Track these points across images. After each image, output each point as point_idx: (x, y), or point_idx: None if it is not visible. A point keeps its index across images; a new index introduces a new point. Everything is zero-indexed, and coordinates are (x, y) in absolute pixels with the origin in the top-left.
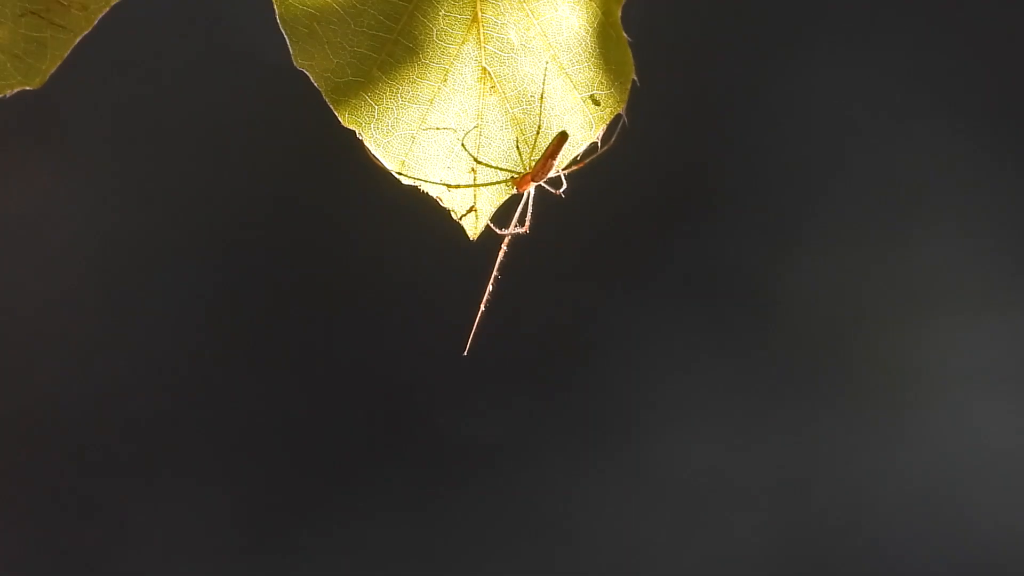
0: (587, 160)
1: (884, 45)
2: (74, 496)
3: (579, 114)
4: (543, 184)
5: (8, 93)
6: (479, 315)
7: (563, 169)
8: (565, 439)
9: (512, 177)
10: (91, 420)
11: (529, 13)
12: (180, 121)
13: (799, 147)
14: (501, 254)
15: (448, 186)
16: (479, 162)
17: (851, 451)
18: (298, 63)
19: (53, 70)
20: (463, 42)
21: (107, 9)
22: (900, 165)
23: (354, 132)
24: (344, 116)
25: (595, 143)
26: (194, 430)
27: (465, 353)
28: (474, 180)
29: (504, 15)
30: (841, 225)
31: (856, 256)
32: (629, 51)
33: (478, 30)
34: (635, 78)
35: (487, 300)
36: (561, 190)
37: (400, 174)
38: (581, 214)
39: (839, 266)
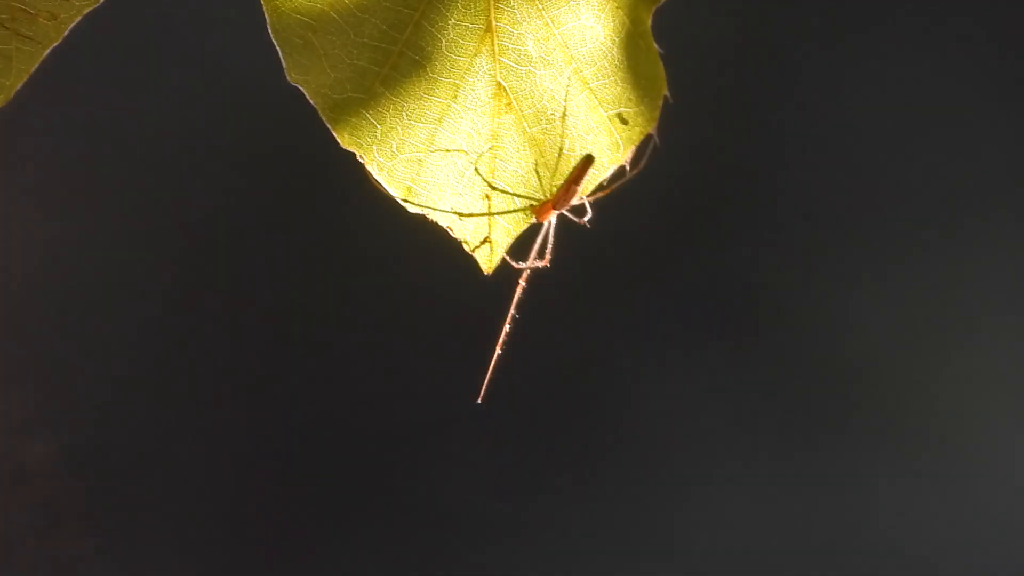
0: (614, 186)
1: (921, 58)
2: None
3: (605, 134)
4: (565, 212)
5: None
6: (494, 358)
7: (587, 196)
8: (581, 513)
9: (531, 205)
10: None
11: (549, 22)
12: (163, 138)
13: (845, 167)
14: (519, 290)
15: (459, 215)
16: (494, 188)
17: (876, 497)
18: (292, 78)
19: (19, 86)
20: (475, 54)
21: (79, 19)
22: (929, 181)
23: (355, 154)
24: (343, 137)
25: (623, 166)
26: (169, 474)
27: (479, 401)
28: (488, 208)
29: (521, 24)
30: (874, 247)
31: (886, 281)
32: (660, 64)
33: (492, 41)
34: (667, 94)
35: (503, 342)
36: (585, 219)
37: (406, 201)
38: (607, 245)
39: (871, 293)
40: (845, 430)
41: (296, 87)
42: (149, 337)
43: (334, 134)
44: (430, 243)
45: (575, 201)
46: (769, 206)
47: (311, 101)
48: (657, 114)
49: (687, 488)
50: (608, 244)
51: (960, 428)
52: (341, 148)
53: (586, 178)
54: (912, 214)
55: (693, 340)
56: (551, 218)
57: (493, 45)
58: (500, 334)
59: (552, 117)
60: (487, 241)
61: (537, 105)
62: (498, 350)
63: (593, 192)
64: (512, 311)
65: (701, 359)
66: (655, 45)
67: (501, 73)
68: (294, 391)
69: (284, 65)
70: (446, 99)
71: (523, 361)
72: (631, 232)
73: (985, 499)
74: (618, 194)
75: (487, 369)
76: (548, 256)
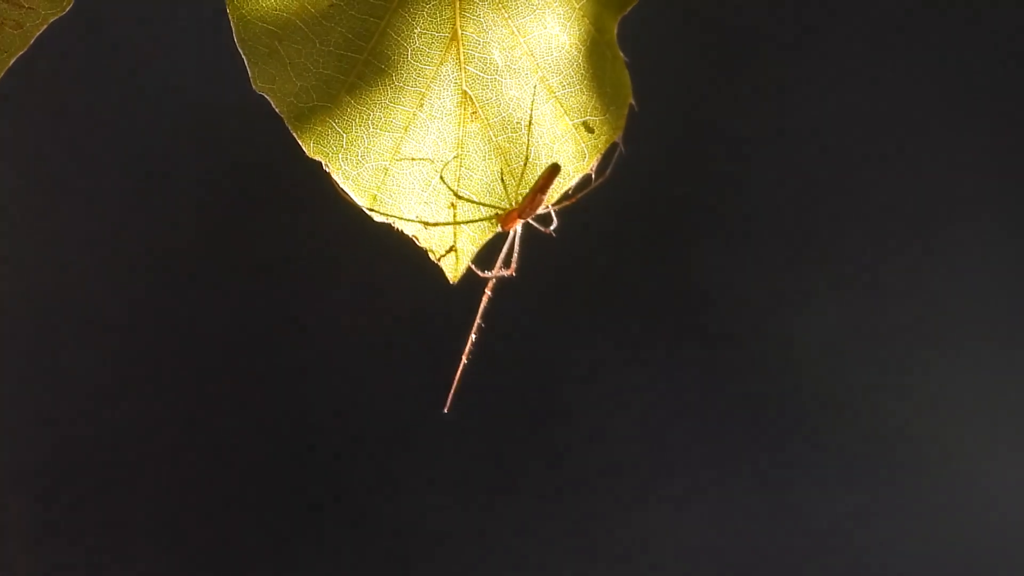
0: (580, 194)
1: (897, 64)
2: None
3: (571, 143)
4: (531, 221)
5: None
6: (460, 368)
7: (553, 205)
8: (546, 521)
9: (496, 213)
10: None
11: (515, 30)
12: (129, 146)
13: (809, 175)
14: (485, 299)
15: (425, 223)
16: (459, 196)
17: (859, 524)
18: (257, 86)
19: None
20: (441, 63)
21: (44, 27)
22: (914, 194)
23: (320, 163)
24: (309, 145)
25: (588, 175)
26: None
27: (446, 410)
28: (454, 217)
29: (487, 33)
30: (852, 259)
31: (867, 296)
32: (626, 72)
33: (458, 49)
34: (633, 102)
35: (469, 351)
36: (551, 228)
37: (371, 210)
38: (572, 253)
39: (849, 307)
40: (817, 436)
41: (262, 95)
42: (115, 345)
43: (299, 142)
44: (395, 252)
45: (541, 210)
46: (737, 213)
47: (276, 109)
48: (623, 122)
49: (656, 494)
50: (574, 253)
51: (935, 437)
52: (307, 156)
53: (552, 187)
54: (885, 219)
55: (661, 347)
56: (517, 227)
57: (459, 54)
58: (466, 343)
59: (518, 126)
60: (453, 250)
61: (503, 114)
62: (464, 359)
63: (559, 201)
64: (478, 320)
65: (669, 366)
66: (621, 53)
67: (467, 82)
68: (256, 399)
69: (250, 74)
70: (412, 108)
71: (489, 370)
72: (597, 241)
73: (958, 507)
74: (584, 202)
75: (453, 378)
76: (514, 265)
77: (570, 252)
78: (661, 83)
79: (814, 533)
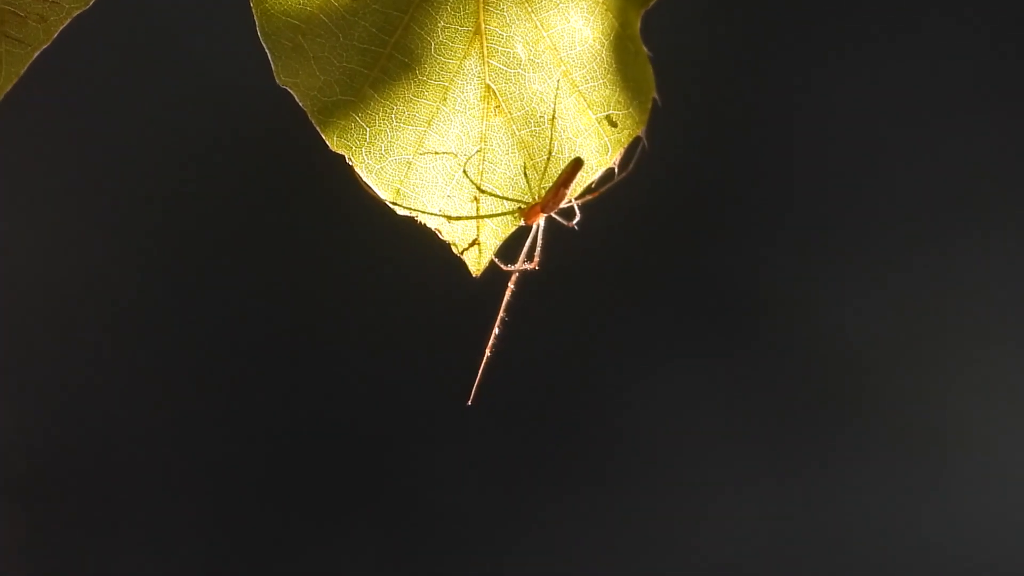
0: (603, 189)
1: (916, 57)
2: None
3: (594, 137)
4: (554, 215)
5: None
6: (484, 361)
7: (576, 199)
8: (572, 512)
9: (519, 207)
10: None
11: (538, 24)
12: (153, 139)
13: (835, 169)
14: (508, 293)
15: (448, 217)
16: (482, 191)
17: (867, 507)
18: (281, 80)
19: (8, 88)
20: (464, 57)
21: (68, 20)
22: (930, 185)
23: (343, 156)
24: (332, 139)
25: (611, 169)
26: (156, 476)
27: (469, 403)
28: (477, 211)
29: (510, 27)
30: (870, 248)
31: (881, 282)
32: (649, 66)
33: (481, 43)
34: (656, 96)
35: (492, 344)
36: (574, 222)
37: (395, 203)
38: (595, 247)
39: (866, 295)
40: (840, 433)
41: (286, 89)
42: (136, 335)
43: (323, 136)
44: (418, 246)
45: (564, 204)
46: (761, 207)
47: (300, 103)
48: (646, 117)
49: (678, 488)
50: (597, 247)
51: (957, 432)
52: (330, 150)
53: (575, 181)
54: (907, 214)
55: (684, 342)
56: (540, 221)
57: (482, 48)
58: (489, 336)
59: (541, 120)
60: (475, 244)
61: (526, 108)
62: (488, 352)
63: (582, 195)
64: (501, 313)
65: (692, 360)
66: (644, 48)
67: (490, 76)
68: (282, 392)
69: (273, 68)
70: (435, 102)
71: (513, 363)
72: (620, 235)
73: (980, 503)
74: (607, 197)
75: (477, 371)
76: (537, 259)
77: (593, 246)
78: (684, 77)
79: (838, 526)
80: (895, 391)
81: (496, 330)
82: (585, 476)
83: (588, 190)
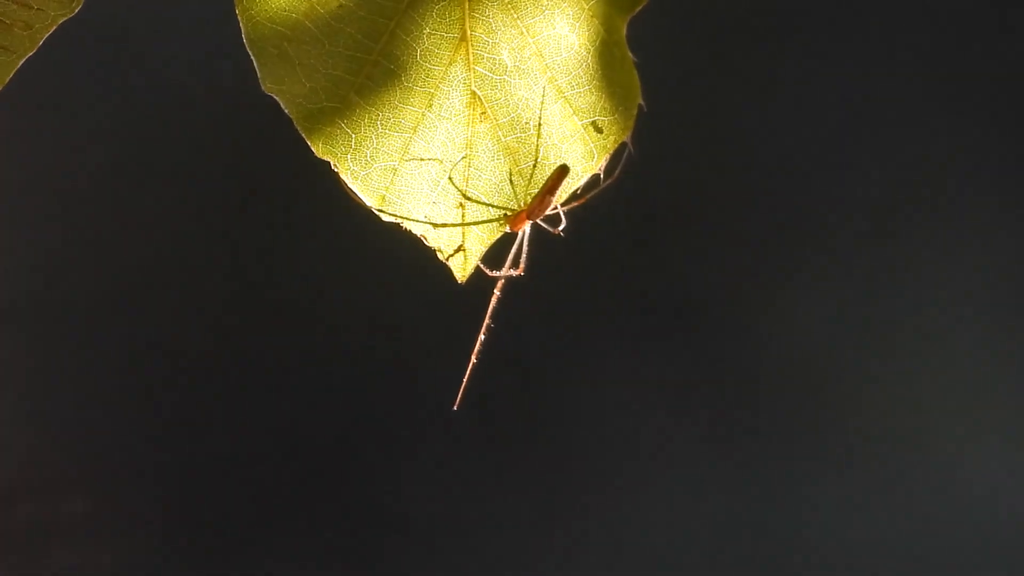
0: (589, 195)
1: (898, 61)
2: None
3: (580, 143)
4: (539, 222)
5: None
6: (470, 367)
7: (562, 205)
8: (554, 516)
9: (505, 214)
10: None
11: (524, 31)
12: (139, 145)
13: (817, 173)
14: (494, 299)
15: (433, 224)
16: (468, 197)
17: (840, 513)
18: (267, 87)
19: None
20: (450, 63)
21: (53, 28)
22: (913, 188)
23: (329, 163)
24: (318, 146)
25: (597, 175)
26: (131, 479)
27: (455, 407)
28: (462, 217)
29: (496, 33)
30: (848, 252)
31: (862, 286)
32: (635, 72)
33: (467, 50)
34: (642, 103)
35: (478, 350)
36: (560, 228)
37: (380, 210)
38: (581, 254)
39: (846, 297)
40: (803, 433)
41: (272, 96)
42: (120, 339)
43: (308, 143)
44: (404, 252)
45: (550, 211)
46: (747, 212)
47: (286, 110)
48: (632, 123)
49: (659, 491)
50: (582, 253)
51: (915, 430)
52: (316, 157)
53: (561, 188)
54: (891, 212)
55: (668, 346)
56: (526, 227)
57: (468, 54)
58: (475, 343)
59: (527, 126)
60: (461, 250)
61: (512, 114)
62: (473, 358)
63: (567, 201)
64: (487, 320)
65: (676, 365)
66: (630, 54)
67: (476, 82)
68: (266, 397)
69: (259, 75)
70: (421, 108)
71: (498, 369)
72: (605, 241)
73: (938, 500)
74: (592, 203)
75: (463, 377)
76: (523, 265)
77: (579, 252)
78: (670, 84)
79: (812, 523)
80: (863, 388)
81: (482, 336)
82: (570, 478)
83: (574, 196)
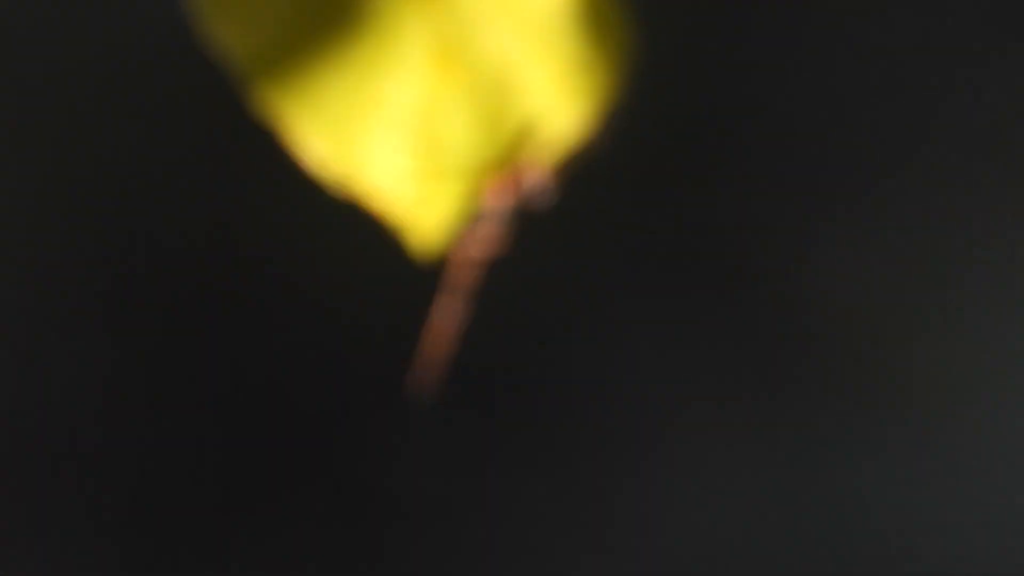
0: (573, 162)
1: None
2: None
3: (563, 103)
4: (518, 193)
5: None
6: (446, 346)
7: (543, 171)
8: (555, 499)
9: (477, 184)
10: None
11: None
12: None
13: (837, 129)
14: (465, 280)
15: (393, 194)
16: (433, 163)
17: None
18: (206, 36)
19: None
20: (417, 6)
21: None
22: (939, 139)
23: (270, 122)
24: (259, 98)
25: (584, 140)
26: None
27: (437, 392)
28: (426, 187)
29: None
30: (874, 203)
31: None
32: (627, 24)
33: None
34: (635, 55)
35: (455, 330)
36: (541, 197)
37: (333, 178)
38: (563, 229)
39: (872, 257)
40: (838, 411)
41: (208, 48)
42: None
43: (247, 95)
44: (363, 227)
45: (528, 180)
46: (752, 172)
47: (225, 61)
48: (624, 79)
49: (665, 471)
50: (565, 223)
51: (960, 409)
52: (259, 117)
53: (541, 153)
54: (923, 158)
55: (669, 316)
56: (501, 198)
57: None
58: (446, 324)
59: (501, 82)
60: (425, 224)
61: (484, 68)
62: (451, 338)
63: (549, 169)
64: (460, 301)
65: (678, 334)
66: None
67: (444, 29)
68: (231, 384)
69: (198, 24)
70: (381, 58)
71: (479, 349)
72: (591, 207)
73: (984, 485)
74: (578, 168)
75: (439, 356)
76: (499, 242)
77: (562, 224)
78: (665, 34)
79: (842, 498)
80: (907, 364)
81: (452, 325)
82: (568, 462)
83: (556, 164)
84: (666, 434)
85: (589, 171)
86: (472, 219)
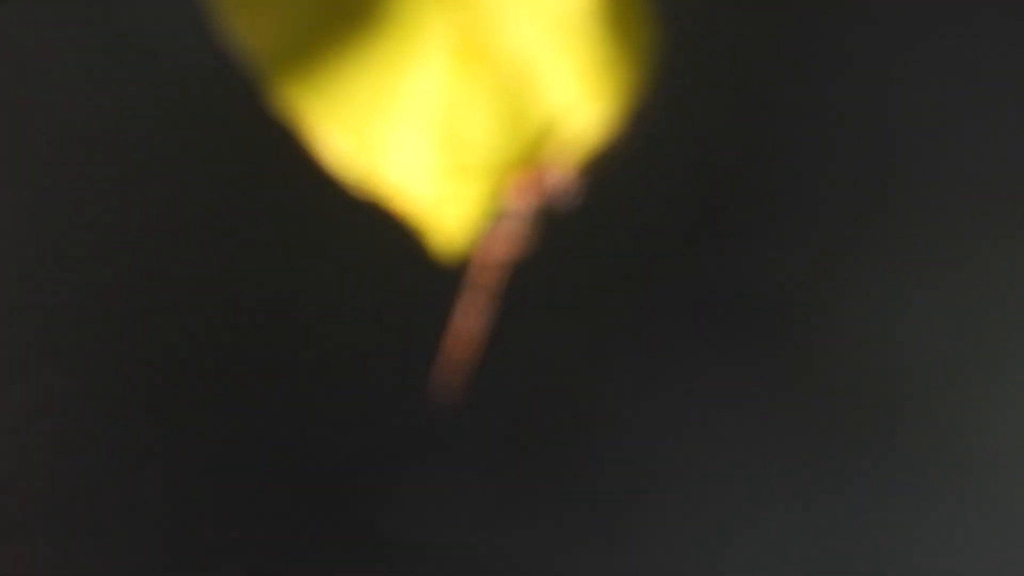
0: (599, 162)
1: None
2: None
3: (588, 101)
4: (541, 193)
5: None
6: (468, 354)
7: (566, 174)
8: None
9: (499, 183)
10: None
11: None
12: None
13: (881, 153)
14: (488, 285)
15: (414, 194)
16: (455, 160)
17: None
18: (227, 35)
19: None
20: (437, 3)
21: None
22: (975, 172)
23: (291, 120)
24: (279, 96)
25: (610, 139)
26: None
27: (454, 401)
28: (449, 186)
29: None
30: (908, 244)
31: (921, 283)
32: (652, 22)
33: None
34: (662, 54)
35: (471, 345)
36: (565, 201)
37: (356, 179)
38: (587, 232)
39: (904, 297)
40: (872, 452)
41: (230, 49)
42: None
43: (269, 93)
44: (386, 229)
45: (552, 179)
46: (789, 192)
47: (246, 59)
48: (651, 77)
49: (686, 500)
50: (588, 227)
51: (1004, 451)
52: (280, 117)
53: (565, 153)
54: (955, 210)
55: (696, 342)
56: (525, 199)
57: None
58: (467, 335)
59: (526, 79)
60: (447, 225)
61: (508, 64)
62: (472, 346)
63: (574, 169)
64: (480, 309)
65: (705, 362)
66: None
67: (467, 26)
68: (247, 396)
69: (219, 23)
70: (403, 55)
71: (498, 366)
72: (619, 219)
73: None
74: (602, 170)
75: (461, 366)
76: (522, 245)
77: (587, 227)
78: (696, 30)
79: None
80: (933, 405)
81: (476, 327)
82: (583, 480)
83: (581, 164)
84: (688, 466)
85: (614, 171)
86: (495, 218)
